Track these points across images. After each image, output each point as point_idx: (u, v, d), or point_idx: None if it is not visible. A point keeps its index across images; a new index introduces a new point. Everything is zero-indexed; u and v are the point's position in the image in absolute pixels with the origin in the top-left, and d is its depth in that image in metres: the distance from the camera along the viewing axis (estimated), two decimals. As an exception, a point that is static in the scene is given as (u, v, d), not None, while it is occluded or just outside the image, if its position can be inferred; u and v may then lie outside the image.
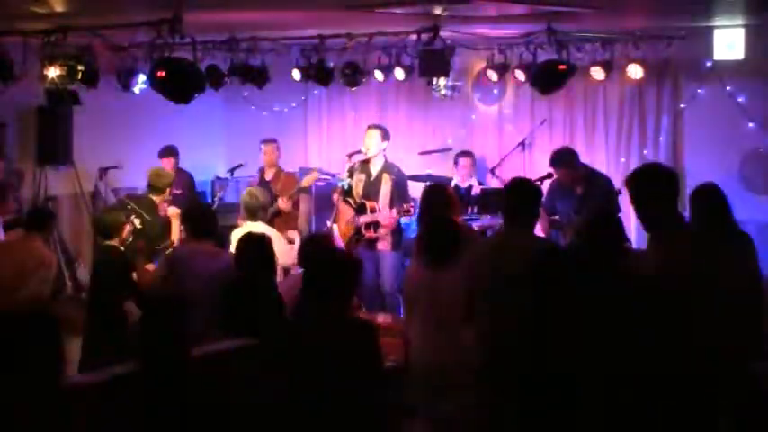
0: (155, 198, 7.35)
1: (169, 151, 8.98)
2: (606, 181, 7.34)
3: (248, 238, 5.44)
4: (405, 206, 7.33)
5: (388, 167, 7.71)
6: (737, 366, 4.39)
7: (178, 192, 8.76)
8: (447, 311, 4.68)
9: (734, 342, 4.35)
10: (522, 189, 4.79)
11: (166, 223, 7.40)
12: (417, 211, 7.58)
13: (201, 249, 5.72)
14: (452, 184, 8.34)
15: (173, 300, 3.96)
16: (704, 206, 5.06)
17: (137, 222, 7.06)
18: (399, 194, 7.56)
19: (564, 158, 7.23)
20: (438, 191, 5.94)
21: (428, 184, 6.96)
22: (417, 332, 4.82)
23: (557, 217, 7.31)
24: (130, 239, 6.69)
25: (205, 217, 5.93)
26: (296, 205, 8.50)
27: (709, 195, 5.11)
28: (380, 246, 7.64)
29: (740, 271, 4.73)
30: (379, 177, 7.66)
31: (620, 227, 4.37)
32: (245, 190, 7.58)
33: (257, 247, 5.30)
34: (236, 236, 6.38)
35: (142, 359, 3.68)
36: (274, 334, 4.26)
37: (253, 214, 6.75)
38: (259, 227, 6.49)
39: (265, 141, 8.73)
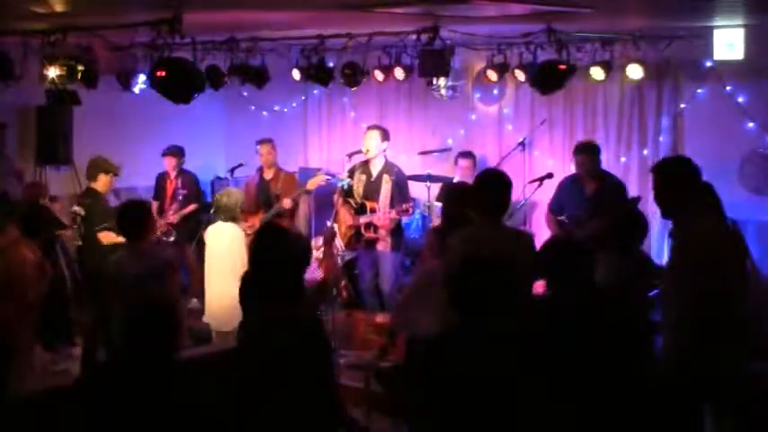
0: (93, 185, 7.52)
1: (170, 151, 8.97)
2: (619, 184, 7.34)
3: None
4: (404, 206, 7.35)
5: (388, 168, 7.72)
6: (737, 365, 4.38)
7: (183, 192, 8.79)
8: None
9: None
10: (493, 180, 4.91)
11: (106, 207, 7.50)
12: (416, 210, 7.65)
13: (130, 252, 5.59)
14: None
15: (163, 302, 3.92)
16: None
17: (82, 212, 7.34)
18: (400, 194, 7.57)
19: (591, 148, 7.31)
20: (455, 187, 6.08)
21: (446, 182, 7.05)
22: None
23: (563, 218, 7.31)
24: (81, 227, 7.23)
25: (135, 218, 5.60)
26: (296, 203, 8.51)
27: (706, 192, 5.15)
28: (380, 246, 7.65)
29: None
30: (379, 177, 7.67)
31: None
32: (246, 191, 7.68)
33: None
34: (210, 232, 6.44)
35: (126, 360, 3.64)
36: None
37: (216, 213, 6.75)
38: (227, 227, 6.50)
39: (261, 142, 8.72)
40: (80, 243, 7.50)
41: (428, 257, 5.50)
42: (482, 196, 4.86)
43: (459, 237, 4.83)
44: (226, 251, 6.49)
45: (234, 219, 6.66)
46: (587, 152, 7.27)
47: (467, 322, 3.51)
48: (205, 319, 6.64)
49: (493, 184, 4.88)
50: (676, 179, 4.55)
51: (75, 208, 7.50)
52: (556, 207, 7.40)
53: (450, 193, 5.96)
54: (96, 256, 7.09)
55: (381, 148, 7.75)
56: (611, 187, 7.20)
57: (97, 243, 7.28)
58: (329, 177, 8.40)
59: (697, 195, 4.56)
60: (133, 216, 5.58)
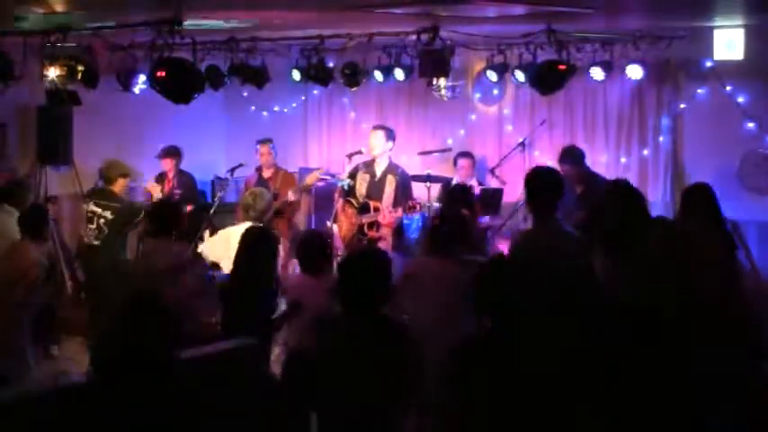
0: (112, 188, 7.58)
1: (167, 152, 8.94)
2: (606, 183, 7.38)
3: (252, 233, 5.42)
4: (410, 203, 7.36)
5: (392, 168, 7.73)
6: (737, 366, 4.38)
7: (178, 192, 8.78)
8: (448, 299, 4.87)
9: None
10: (541, 179, 4.83)
11: (133, 202, 7.87)
12: (422, 208, 7.66)
13: (157, 247, 5.77)
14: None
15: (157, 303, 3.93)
16: (693, 203, 5.12)
17: (108, 214, 7.37)
18: (403, 194, 7.58)
19: (572, 155, 7.34)
20: (458, 190, 6.09)
21: (453, 183, 7.07)
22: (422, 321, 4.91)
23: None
24: (105, 231, 7.29)
25: (165, 215, 5.97)
26: (298, 202, 8.48)
27: (699, 193, 5.16)
28: (381, 246, 7.64)
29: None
30: (383, 178, 7.68)
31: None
32: (245, 190, 7.64)
33: (262, 241, 5.28)
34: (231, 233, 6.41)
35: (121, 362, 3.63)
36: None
37: (245, 212, 6.68)
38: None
39: (261, 142, 8.70)
40: (95, 243, 7.51)
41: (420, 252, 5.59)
42: (530, 197, 4.81)
43: (516, 240, 4.88)
44: None
45: (260, 220, 6.57)
46: (569, 162, 7.32)
47: (495, 325, 3.54)
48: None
49: (540, 184, 4.80)
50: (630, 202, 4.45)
51: (94, 208, 7.50)
52: None
53: (450, 194, 6.02)
54: (112, 257, 7.39)
55: (387, 148, 7.75)
56: (597, 184, 7.24)
57: (116, 245, 7.50)
58: (327, 178, 8.39)
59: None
60: (164, 213, 5.95)
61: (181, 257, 5.81)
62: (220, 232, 6.55)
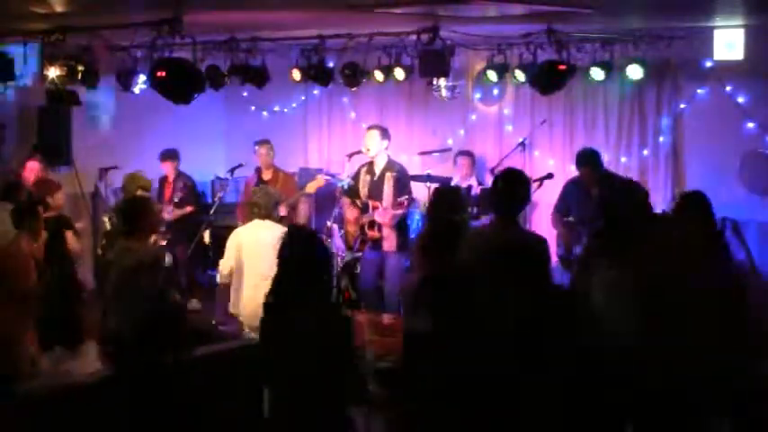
0: None
1: (168, 155, 8.96)
2: (621, 182, 7.34)
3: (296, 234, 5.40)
4: (399, 199, 7.37)
5: (390, 165, 7.74)
6: (736, 366, 4.38)
7: (179, 194, 8.79)
8: None
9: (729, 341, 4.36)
10: (507, 179, 4.89)
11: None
12: (413, 205, 7.64)
13: (129, 246, 5.71)
14: (452, 184, 8.36)
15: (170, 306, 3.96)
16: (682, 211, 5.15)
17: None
18: (401, 191, 7.59)
19: (589, 158, 7.33)
20: (445, 192, 6.05)
21: (437, 185, 7.03)
22: None
23: (571, 218, 7.32)
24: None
25: (132, 215, 5.82)
26: (293, 208, 8.47)
27: (687, 200, 5.18)
28: (386, 246, 7.65)
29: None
30: (382, 176, 7.69)
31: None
32: (245, 190, 7.65)
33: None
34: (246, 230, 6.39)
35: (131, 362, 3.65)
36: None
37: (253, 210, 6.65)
38: (266, 225, 6.45)
39: (259, 143, 8.70)
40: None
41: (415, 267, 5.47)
42: (494, 195, 4.89)
43: (469, 235, 4.89)
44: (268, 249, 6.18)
45: (269, 217, 6.51)
46: (588, 165, 7.30)
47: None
48: (240, 317, 6.45)
49: (505, 184, 4.86)
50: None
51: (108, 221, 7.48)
52: (562, 208, 7.43)
53: (436, 197, 5.94)
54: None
55: (382, 147, 7.76)
56: (615, 188, 7.22)
57: None
58: (328, 178, 8.39)
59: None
60: (129, 212, 5.80)
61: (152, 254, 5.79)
62: (229, 242, 6.53)
